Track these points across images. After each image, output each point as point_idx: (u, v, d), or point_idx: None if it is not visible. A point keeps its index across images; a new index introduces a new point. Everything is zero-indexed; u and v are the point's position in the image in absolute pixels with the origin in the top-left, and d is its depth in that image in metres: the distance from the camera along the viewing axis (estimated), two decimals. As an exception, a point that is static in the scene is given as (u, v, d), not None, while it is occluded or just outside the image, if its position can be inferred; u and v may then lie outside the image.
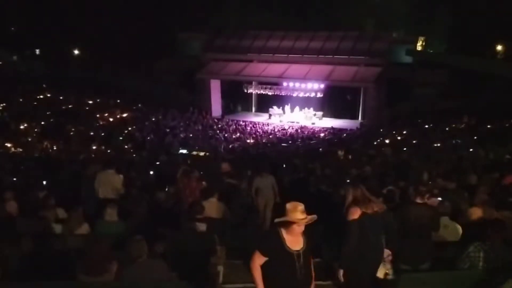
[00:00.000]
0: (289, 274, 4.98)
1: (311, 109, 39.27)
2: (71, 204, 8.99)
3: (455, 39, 42.96)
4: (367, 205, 6.11)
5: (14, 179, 14.44)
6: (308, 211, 5.00)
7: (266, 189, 11.10)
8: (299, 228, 4.95)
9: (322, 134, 34.25)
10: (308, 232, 5.10)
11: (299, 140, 31.07)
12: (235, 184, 11.98)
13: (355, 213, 6.06)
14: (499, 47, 41.49)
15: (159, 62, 44.50)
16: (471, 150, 19.26)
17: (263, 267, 5.08)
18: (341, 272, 6.02)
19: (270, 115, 40.21)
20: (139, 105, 41.56)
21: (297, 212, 4.89)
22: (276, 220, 5.00)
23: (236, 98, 43.97)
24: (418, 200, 7.00)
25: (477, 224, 7.43)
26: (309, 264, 5.15)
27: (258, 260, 5.06)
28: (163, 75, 44.28)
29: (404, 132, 29.76)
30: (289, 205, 4.96)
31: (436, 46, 44.94)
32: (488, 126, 27.44)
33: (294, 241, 5.04)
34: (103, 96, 42.20)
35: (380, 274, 6.16)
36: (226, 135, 33.25)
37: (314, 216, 4.97)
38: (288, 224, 4.95)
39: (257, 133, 34.27)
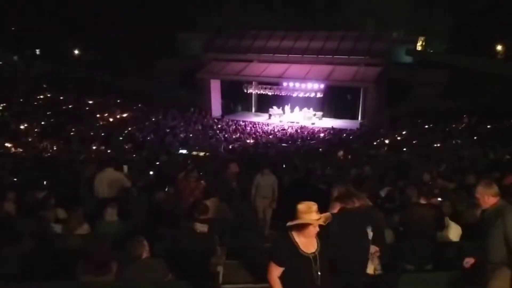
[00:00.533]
0: (307, 280, 4.67)
1: (311, 109, 39.30)
2: (71, 204, 8.99)
3: (455, 39, 42.97)
4: (348, 200, 6.28)
5: (15, 179, 14.45)
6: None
7: (266, 188, 10.89)
8: (314, 230, 4.67)
9: (322, 134, 34.27)
10: (321, 232, 4.82)
11: (299, 140, 31.09)
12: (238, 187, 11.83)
13: (335, 208, 6.32)
14: (499, 47, 41.48)
15: (160, 62, 44.44)
16: (471, 150, 19.27)
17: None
18: None
19: (270, 115, 40.20)
20: (139, 105, 41.58)
21: (312, 213, 4.62)
22: (289, 223, 4.68)
23: (236, 98, 43.98)
24: (422, 201, 7.04)
25: (477, 224, 7.43)
26: (327, 267, 4.86)
27: (276, 271, 4.70)
28: (164, 75, 44.26)
29: (404, 132, 29.77)
30: (301, 206, 4.66)
31: (436, 46, 44.95)
32: (488, 126, 27.45)
33: (308, 243, 4.74)
34: (103, 96, 42.21)
35: (370, 270, 6.27)
36: (226, 135, 33.26)
37: (329, 215, 4.81)
38: (302, 227, 4.66)
39: (257, 133, 34.28)
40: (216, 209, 9.17)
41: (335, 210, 6.25)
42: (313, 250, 4.72)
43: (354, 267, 5.98)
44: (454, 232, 7.43)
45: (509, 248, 5.27)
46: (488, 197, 5.57)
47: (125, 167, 11.73)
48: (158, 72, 44.36)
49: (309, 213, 4.61)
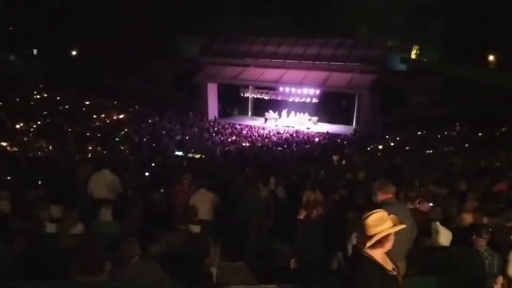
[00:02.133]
0: None
1: (307, 114, 39.39)
2: (66, 204, 8.97)
3: (448, 48, 43.12)
4: (312, 208, 7.25)
5: (9, 178, 14.38)
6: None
7: (259, 203, 9.30)
8: (392, 240, 3.97)
9: (317, 139, 34.30)
10: None
11: (294, 145, 31.10)
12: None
13: (301, 214, 7.45)
14: (490, 57, 41.63)
15: (157, 65, 44.54)
16: (462, 157, 19.31)
17: None
18: (292, 260, 7.33)
19: (266, 119, 40.27)
20: (136, 107, 41.57)
21: (388, 221, 3.94)
22: (369, 244, 3.87)
23: (232, 102, 44.10)
24: (409, 206, 7.07)
25: (467, 230, 7.45)
26: None
27: None
28: (161, 77, 44.37)
29: (398, 138, 29.84)
30: (373, 219, 3.93)
31: (429, 55, 45.10)
32: (480, 134, 27.55)
33: (386, 260, 4.01)
34: (100, 97, 42.17)
35: (334, 265, 7.12)
36: (222, 138, 33.25)
37: (394, 216, 4.07)
38: (382, 241, 3.90)
39: (253, 137, 34.29)
40: (205, 199, 9.24)
41: (301, 217, 7.30)
42: (392, 266, 4.05)
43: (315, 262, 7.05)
44: (444, 237, 7.43)
45: None
46: (380, 194, 5.92)
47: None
48: (156, 75, 44.43)
49: (385, 222, 3.93)
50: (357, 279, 3.91)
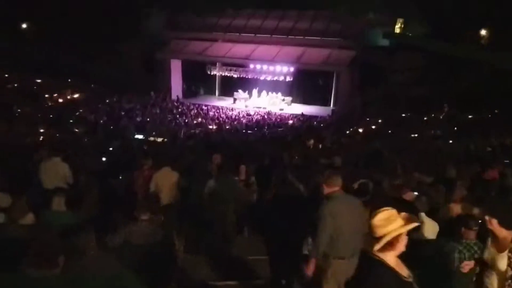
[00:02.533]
0: None
1: (279, 94, 39.35)
2: (16, 191, 8.86)
3: (435, 23, 43.37)
4: (278, 187, 8.01)
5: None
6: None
7: (225, 194, 8.92)
8: (406, 238, 3.78)
9: (290, 121, 34.34)
10: None
11: (266, 127, 31.11)
12: None
13: (269, 194, 8.72)
14: (483, 32, 41.94)
15: (119, 43, 44.04)
16: (450, 141, 19.47)
17: None
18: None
19: (234, 100, 40.20)
20: (92, 85, 41.13)
21: (397, 220, 3.74)
22: (378, 246, 3.69)
23: (198, 80, 43.89)
24: (394, 195, 7.11)
25: (455, 221, 7.51)
26: None
27: None
28: (123, 55, 43.83)
29: (379, 120, 29.97)
30: (379, 219, 3.76)
31: (415, 29, 45.30)
32: (470, 117, 27.78)
33: (400, 265, 3.80)
34: (54, 75, 41.63)
35: (305, 251, 7.32)
36: (186, 120, 33.16)
37: (407, 214, 3.85)
38: (393, 242, 3.71)
39: (220, 119, 34.22)
40: (168, 177, 9.38)
41: (270, 196, 8.37)
42: (408, 273, 3.81)
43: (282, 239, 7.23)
44: (429, 229, 7.47)
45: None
46: (325, 187, 6.32)
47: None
48: (117, 53, 43.91)
49: (395, 220, 3.74)
50: (369, 286, 3.72)
